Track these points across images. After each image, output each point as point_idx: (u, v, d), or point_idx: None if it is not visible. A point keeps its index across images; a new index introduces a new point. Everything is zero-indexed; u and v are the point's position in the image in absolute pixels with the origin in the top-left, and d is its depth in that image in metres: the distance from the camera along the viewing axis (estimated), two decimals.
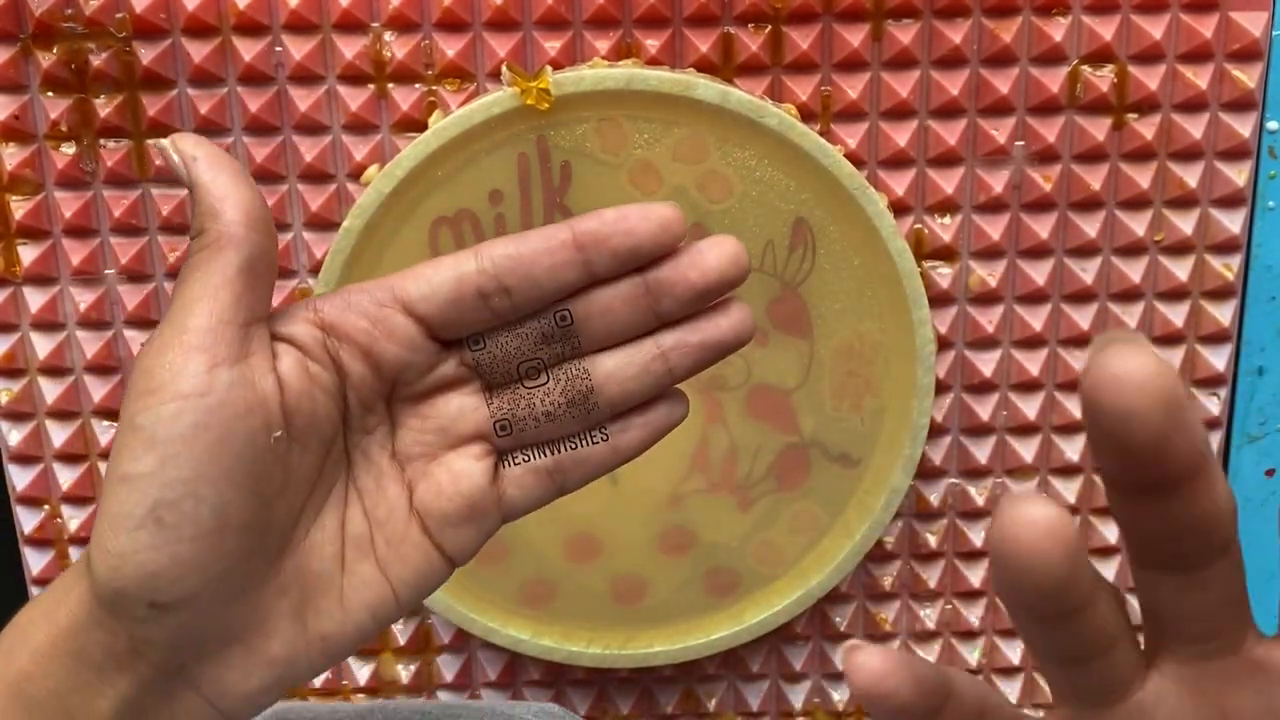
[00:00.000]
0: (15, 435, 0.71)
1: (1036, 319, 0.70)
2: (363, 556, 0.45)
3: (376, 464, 0.45)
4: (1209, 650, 0.33)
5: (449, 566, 0.46)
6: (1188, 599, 0.32)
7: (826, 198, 0.64)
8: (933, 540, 0.74)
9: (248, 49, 0.65)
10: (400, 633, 0.75)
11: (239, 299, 0.41)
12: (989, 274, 0.69)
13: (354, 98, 0.66)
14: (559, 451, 0.46)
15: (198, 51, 0.65)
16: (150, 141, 0.43)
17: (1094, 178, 0.67)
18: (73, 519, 0.72)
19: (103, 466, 0.71)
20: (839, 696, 0.76)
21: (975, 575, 0.74)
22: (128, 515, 0.39)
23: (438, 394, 0.45)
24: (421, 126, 0.66)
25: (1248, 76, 0.65)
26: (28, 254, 0.68)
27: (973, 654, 0.76)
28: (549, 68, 0.62)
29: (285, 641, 0.44)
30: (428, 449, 0.46)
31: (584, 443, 0.46)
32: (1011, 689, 0.76)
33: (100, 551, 0.40)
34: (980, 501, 0.73)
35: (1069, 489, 0.72)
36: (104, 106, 0.66)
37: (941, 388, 0.71)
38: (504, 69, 0.61)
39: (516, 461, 0.46)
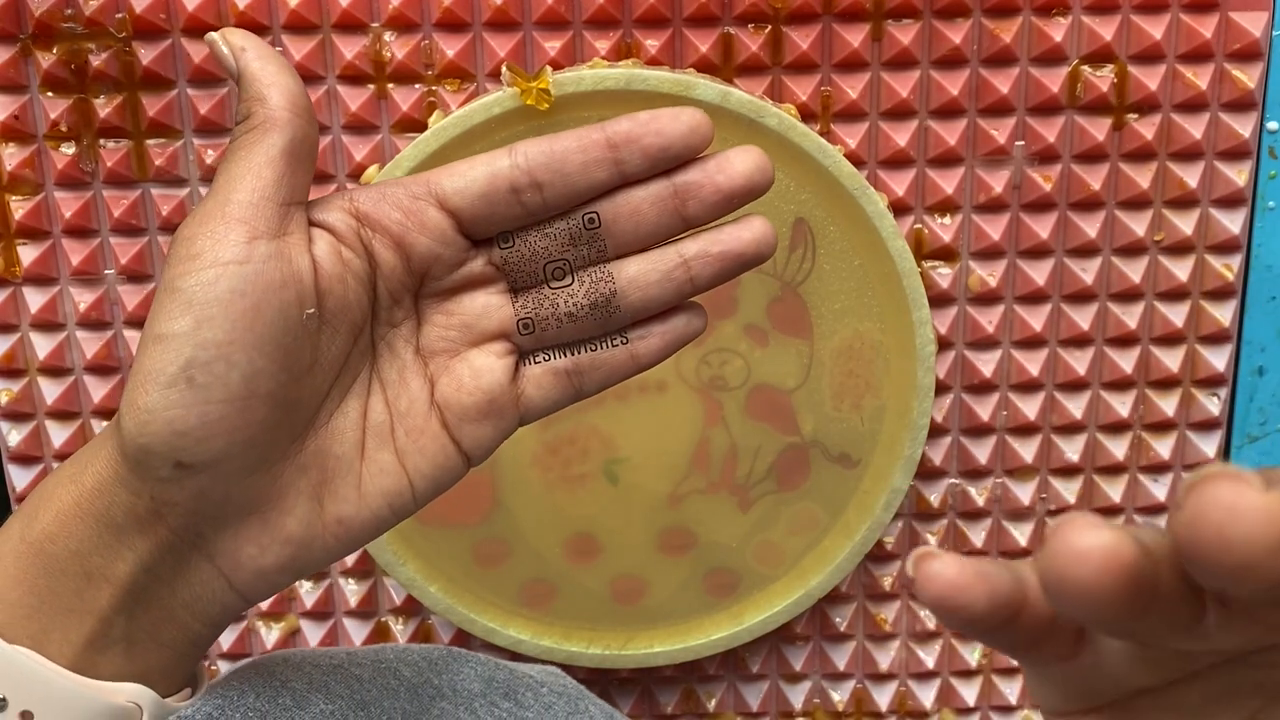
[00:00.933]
0: (15, 435, 0.71)
1: (1036, 319, 0.70)
2: (382, 445, 0.46)
3: (401, 357, 0.47)
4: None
5: (465, 463, 0.47)
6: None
7: (826, 198, 0.64)
8: (933, 540, 0.74)
9: None
10: (400, 633, 0.75)
11: (280, 179, 0.43)
12: (989, 274, 0.69)
13: (354, 98, 0.66)
14: (579, 353, 0.47)
15: (198, 52, 0.65)
16: (206, 36, 0.45)
17: (1094, 178, 0.67)
18: None
19: None
20: (839, 696, 0.76)
21: None
22: (160, 372, 0.41)
23: (464, 291, 0.47)
24: (421, 126, 0.66)
25: (1248, 76, 0.66)
26: (27, 254, 0.68)
27: (973, 654, 0.76)
28: (549, 68, 0.62)
29: (301, 520, 0.45)
30: (451, 345, 0.47)
31: (604, 346, 0.47)
32: (1011, 689, 0.76)
33: (130, 407, 0.41)
34: (980, 502, 0.73)
35: (1069, 489, 0.73)
36: (104, 107, 0.66)
37: (941, 388, 0.71)
38: (504, 69, 0.61)
39: (536, 361, 0.47)
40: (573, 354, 0.47)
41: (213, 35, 0.45)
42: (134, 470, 0.42)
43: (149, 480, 0.42)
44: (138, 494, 0.42)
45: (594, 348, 0.47)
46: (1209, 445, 0.72)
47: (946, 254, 0.69)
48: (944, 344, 0.70)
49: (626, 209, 0.45)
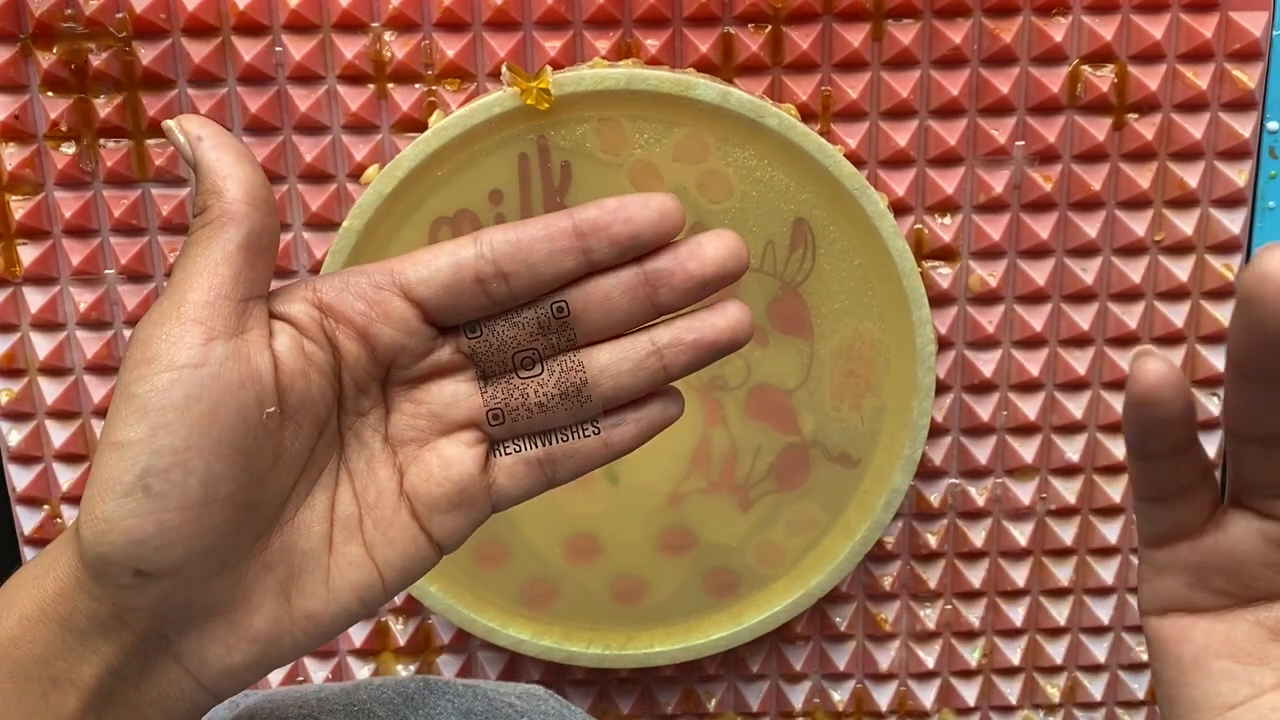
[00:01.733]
0: (15, 435, 0.71)
1: (1036, 319, 0.70)
2: (350, 538, 0.45)
3: (369, 446, 0.46)
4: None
5: (437, 553, 0.46)
6: (1271, 465, 0.38)
7: (826, 198, 0.64)
8: (933, 540, 0.74)
9: (248, 49, 0.65)
10: (400, 633, 0.75)
11: (238, 275, 0.42)
12: (989, 274, 0.69)
13: (354, 98, 0.66)
14: (551, 443, 0.46)
15: (198, 52, 0.65)
16: (162, 123, 0.43)
17: (1094, 178, 0.67)
18: (73, 519, 0.72)
19: None
20: (839, 696, 0.76)
21: (975, 575, 0.74)
22: (116, 481, 0.40)
23: (432, 380, 0.46)
24: (421, 126, 0.66)
25: (1248, 76, 0.65)
26: (28, 254, 0.68)
27: (973, 654, 0.76)
28: (549, 68, 0.62)
29: (269, 618, 0.44)
30: (420, 434, 0.46)
31: (576, 435, 0.46)
32: (1011, 689, 0.76)
33: (88, 517, 0.40)
34: (980, 502, 0.73)
35: (1069, 489, 0.72)
36: (104, 106, 0.66)
37: (941, 388, 0.71)
38: (504, 69, 0.61)
39: (508, 451, 0.46)
40: (544, 444, 0.46)
41: (169, 123, 0.43)
42: (94, 578, 0.41)
43: (109, 587, 0.41)
44: (99, 600, 0.41)
45: (566, 437, 0.46)
46: (1209, 445, 0.72)
47: (946, 254, 0.69)
48: (944, 344, 0.70)
49: (596, 297, 0.44)
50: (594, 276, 0.44)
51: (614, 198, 0.44)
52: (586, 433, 0.46)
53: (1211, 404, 0.71)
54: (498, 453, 0.47)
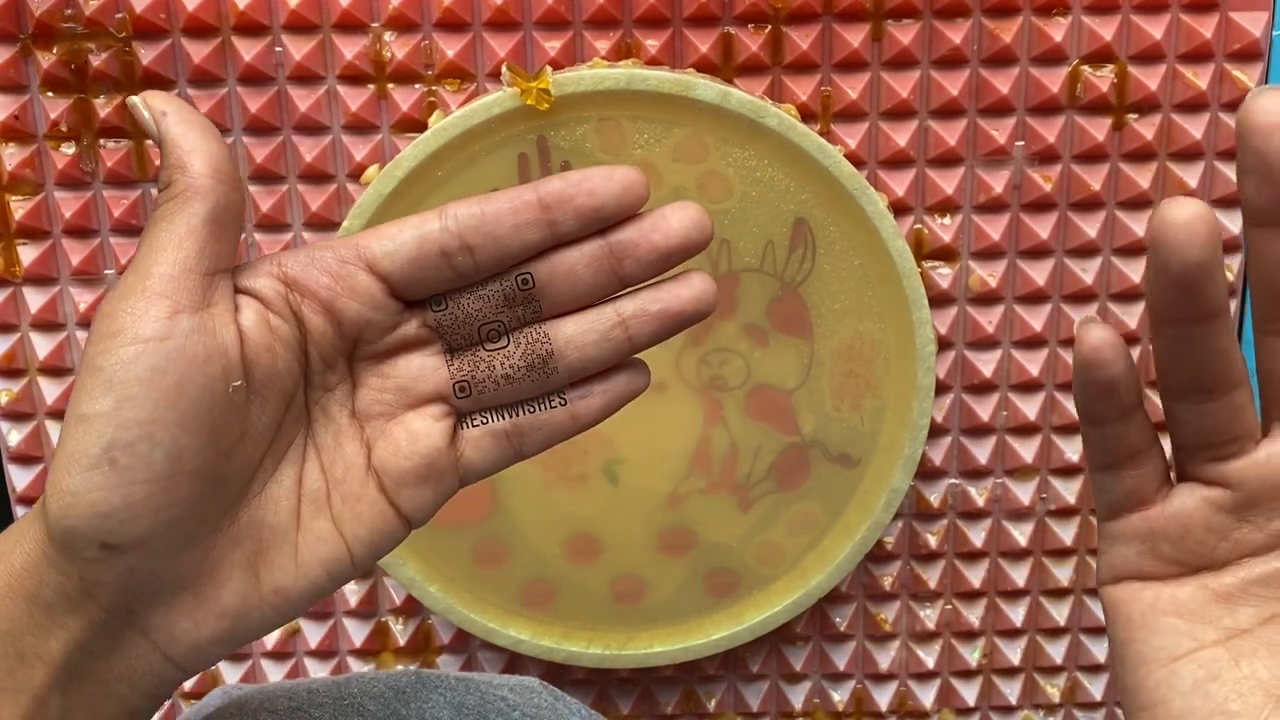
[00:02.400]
0: (15, 435, 0.71)
1: (1036, 319, 0.70)
2: (318, 512, 0.45)
3: (336, 421, 0.46)
4: (1222, 459, 0.42)
5: (405, 527, 0.47)
6: (1201, 422, 0.41)
7: (826, 198, 0.64)
8: (933, 540, 0.74)
9: (248, 49, 0.65)
10: (400, 633, 0.75)
11: (203, 249, 0.42)
12: (989, 274, 0.69)
13: (354, 98, 0.66)
14: (518, 415, 0.47)
15: (198, 52, 0.65)
16: (127, 99, 0.44)
17: (1094, 178, 0.67)
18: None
19: None
20: (839, 696, 0.76)
21: (975, 575, 0.74)
22: (82, 454, 0.40)
23: (399, 354, 0.46)
24: (421, 126, 0.66)
25: (1248, 76, 0.66)
26: (28, 254, 0.68)
27: (973, 654, 0.76)
28: (549, 68, 0.62)
29: (237, 592, 0.44)
30: (387, 408, 0.46)
31: (542, 407, 0.47)
32: (1012, 689, 0.76)
33: (54, 490, 0.40)
34: (980, 502, 0.73)
35: (1069, 489, 0.72)
36: (104, 107, 0.66)
37: (941, 388, 0.71)
38: (504, 69, 0.61)
39: (475, 424, 0.47)
40: (512, 416, 0.47)
41: (133, 99, 0.43)
42: (60, 551, 0.41)
43: (76, 561, 0.41)
44: (66, 574, 0.41)
45: (533, 409, 0.47)
46: None
47: (946, 254, 0.69)
48: (944, 344, 0.70)
49: (562, 269, 0.45)
50: (559, 249, 0.45)
51: (577, 170, 0.44)
52: (553, 404, 0.47)
53: None
54: (465, 425, 0.47)
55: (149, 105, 0.43)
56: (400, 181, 0.62)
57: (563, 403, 0.47)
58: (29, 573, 0.41)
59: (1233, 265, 0.69)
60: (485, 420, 0.47)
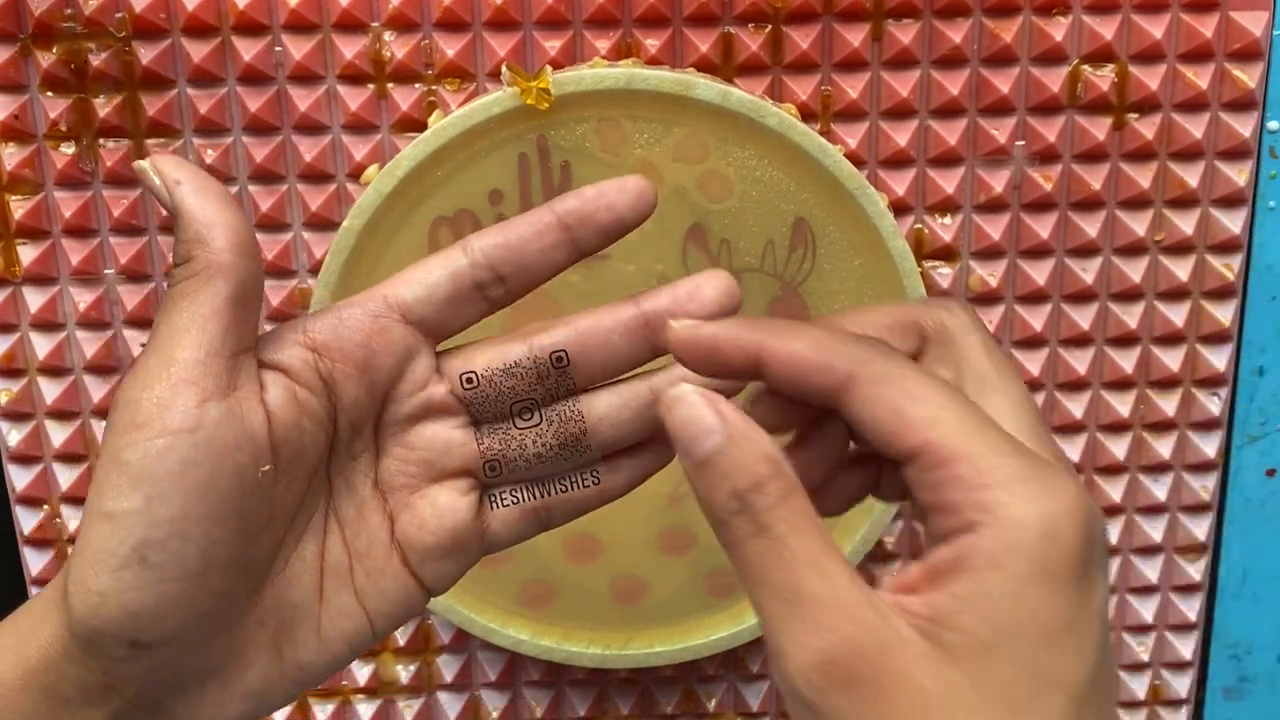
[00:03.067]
0: (15, 435, 0.71)
1: (1036, 319, 0.70)
2: (341, 586, 0.44)
3: (359, 493, 0.45)
4: None
5: (426, 596, 0.46)
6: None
7: (827, 198, 0.64)
8: None
9: (247, 49, 0.65)
10: (400, 633, 0.75)
11: (228, 330, 0.40)
12: (989, 274, 0.69)
13: (354, 98, 0.66)
14: (549, 494, 0.46)
15: (197, 51, 0.65)
16: (135, 164, 0.41)
17: (1094, 178, 0.67)
18: (72, 519, 0.72)
19: None
20: None
21: None
22: (111, 554, 0.38)
23: (425, 419, 0.45)
24: (421, 126, 0.66)
25: (1248, 76, 0.65)
26: (27, 254, 0.68)
27: None
28: (549, 67, 0.62)
29: (261, 672, 0.43)
30: (411, 480, 0.45)
31: (574, 486, 0.46)
32: None
33: (80, 589, 0.39)
34: None
35: None
36: (104, 106, 0.66)
37: None
38: (504, 69, 0.61)
39: (504, 502, 0.46)
40: (543, 494, 0.46)
41: (142, 164, 0.41)
42: (84, 649, 0.39)
43: (102, 659, 0.40)
44: (89, 669, 0.40)
45: (564, 487, 0.46)
46: (1209, 445, 0.72)
47: (946, 254, 0.69)
48: None
49: (595, 341, 0.44)
50: (591, 317, 0.44)
51: (589, 186, 0.43)
52: (585, 483, 0.46)
53: (1212, 403, 0.71)
54: (493, 502, 0.46)
55: (161, 172, 0.41)
56: (400, 181, 0.62)
57: (595, 480, 0.46)
58: (47, 668, 0.40)
59: (1233, 264, 0.69)
60: (516, 499, 0.46)
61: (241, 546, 0.41)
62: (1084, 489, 0.36)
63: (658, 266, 0.65)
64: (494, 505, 0.46)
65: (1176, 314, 0.69)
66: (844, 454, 0.43)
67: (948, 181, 0.68)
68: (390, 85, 0.66)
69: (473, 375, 0.44)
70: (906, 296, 0.65)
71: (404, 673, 0.75)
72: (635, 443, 0.45)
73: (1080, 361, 0.70)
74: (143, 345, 0.42)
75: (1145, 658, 0.76)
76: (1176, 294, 0.69)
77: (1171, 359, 0.70)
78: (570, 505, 0.46)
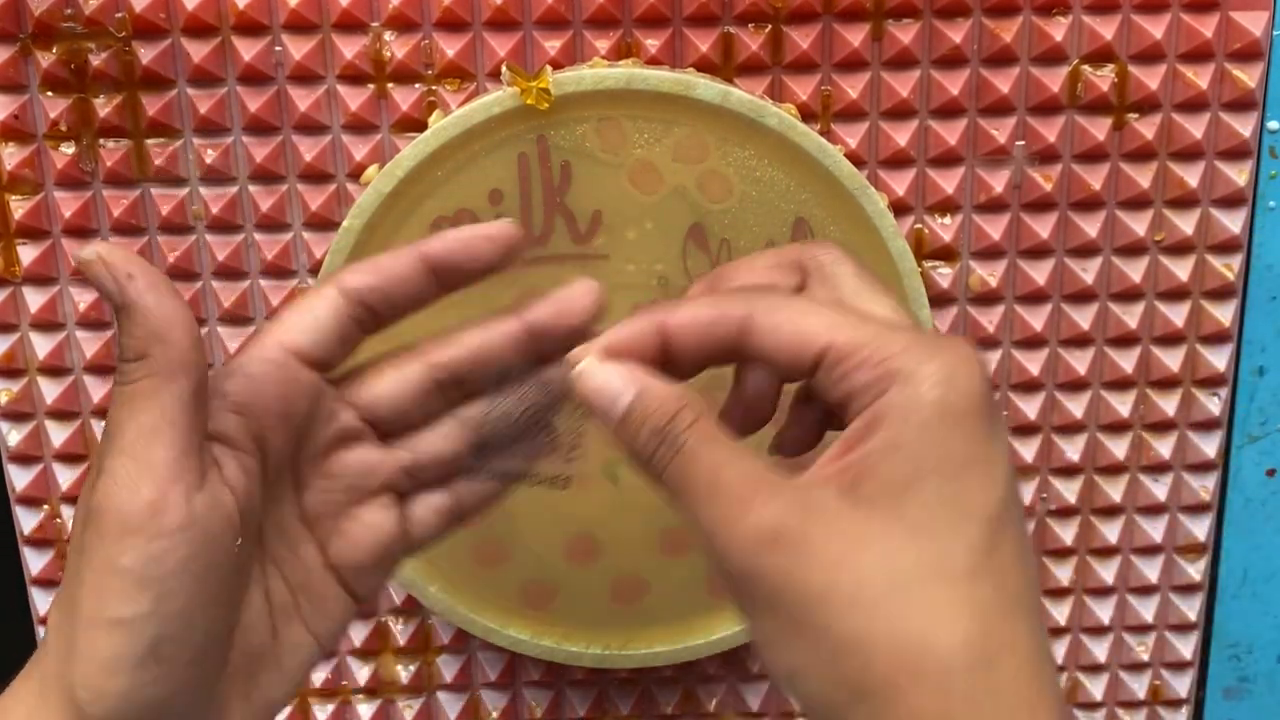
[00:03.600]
0: (15, 435, 0.71)
1: (1036, 319, 0.70)
2: (289, 620, 0.46)
3: (288, 530, 0.46)
4: None
5: (360, 605, 0.48)
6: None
7: (827, 198, 0.64)
8: None
9: (247, 49, 0.65)
10: (400, 633, 0.75)
11: (193, 424, 0.40)
12: (989, 274, 0.69)
13: (354, 97, 0.66)
14: (460, 495, 0.49)
15: (197, 51, 0.65)
16: (74, 257, 0.40)
17: (1094, 178, 0.67)
18: (72, 519, 0.72)
19: None
20: None
21: None
22: (125, 658, 0.39)
23: (341, 448, 0.46)
24: (421, 126, 0.66)
25: (1248, 76, 0.65)
26: (27, 254, 0.68)
27: None
28: (549, 67, 0.62)
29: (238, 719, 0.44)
30: (338, 506, 0.47)
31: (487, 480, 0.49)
32: None
33: (95, 695, 0.39)
34: None
35: (1069, 489, 0.72)
36: (104, 106, 0.66)
37: None
38: (504, 69, 0.61)
39: (423, 509, 0.49)
40: (454, 498, 0.49)
41: (87, 253, 0.40)
42: None
43: None
44: None
45: (474, 487, 0.49)
46: (1209, 445, 0.72)
47: (946, 254, 0.69)
48: None
49: (487, 356, 0.48)
50: (480, 334, 0.48)
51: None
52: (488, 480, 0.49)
53: (1212, 404, 0.71)
54: (409, 506, 0.48)
55: (110, 265, 0.40)
56: (400, 181, 0.63)
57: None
58: None
59: (1233, 264, 0.69)
60: (434, 505, 0.49)
61: (228, 616, 0.43)
62: (973, 346, 0.40)
63: (658, 266, 0.65)
64: (410, 507, 0.48)
65: (1176, 314, 0.69)
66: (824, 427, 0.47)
67: (948, 181, 0.68)
68: (390, 85, 0.66)
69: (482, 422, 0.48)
70: (907, 297, 0.65)
71: (404, 673, 0.75)
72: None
73: (1080, 361, 0.70)
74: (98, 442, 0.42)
75: (1145, 658, 0.76)
76: (1176, 294, 0.69)
77: (1171, 359, 0.70)
78: (477, 498, 0.49)
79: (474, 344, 0.47)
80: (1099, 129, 0.67)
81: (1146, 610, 0.75)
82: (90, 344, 0.69)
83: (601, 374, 0.42)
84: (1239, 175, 0.67)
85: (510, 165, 0.63)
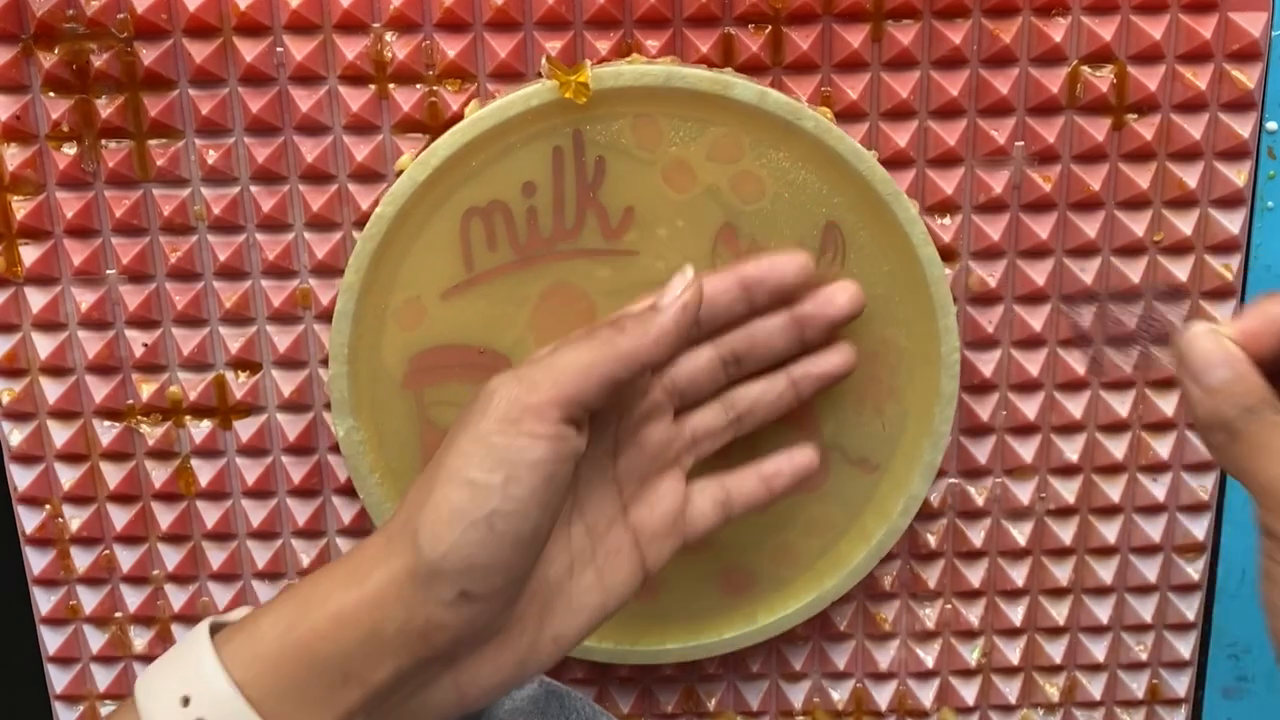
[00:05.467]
0: (16, 435, 0.71)
1: (1036, 319, 0.70)
2: (585, 565, 0.54)
3: (597, 488, 0.55)
4: None
5: (644, 577, 0.56)
6: None
7: (859, 202, 0.64)
8: (932, 540, 0.74)
9: (249, 49, 0.65)
10: None
11: (610, 380, 0.51)
12: (989, 274, 0.69)
13: (355, 98, 0.66)
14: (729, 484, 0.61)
15: (199, 52, 0.65)
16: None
17: (1094, 178, 0.68)
18: (74, 519, 0.72)
19: (104, 466, 0.71)
20: (839, 696, 0.77)
21: (975, 575, 0.74)
22: (465, 514, 0.47)
23: (650, 420, 0.57)
24: (422, 126, 0.66)
25: (1247, 77, 0.66)
26: (29, 254, 0.68)
27: (972, 654, 0.76)
28: (588, 61, 0.62)
29: (529, 641, 0.51)
30: (641, 473, 0.56)
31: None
32: (1011, 688, 0.76)
33: (432, 538, 0.47)
34: (980, 501, 0.73)
35: (1069, 489, 0.73)
36: (105, 107, 0.66)
37: None
38: (543, 61, 0.62)
39: (698, 492, 0.59)
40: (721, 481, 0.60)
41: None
42: (419, 591, 0.47)
43: (430, 603, 0.47)
44: (414, 613, 0.47)
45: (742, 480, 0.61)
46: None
47: (946, 254, 0.69)
48: None
49: (761, 336, 0.61)
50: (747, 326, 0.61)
51: (765, 259, 0.60)
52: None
53: None
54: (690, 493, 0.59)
55: None
56: (434, 170, 0.63)
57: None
58: (378, 604, 0.48)
59: (1231, 265, 0.69)
60: (706, 485, 0.60)
61: (547, 530, 0.50)
62: None
63: (686, 265, 0.65)
64: (693, 498, 0.58)
65: (1176, 314, 0.69)
66: None
67: (947, 182, 0.68)
68: (391, 86, 0.66)
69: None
70: (934, 304, 0.65)
71: None
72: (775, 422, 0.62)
73: (1080, 362, 0.70)
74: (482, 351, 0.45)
75: (1144, 657, 0.76)
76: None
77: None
78: (745, 498, 0.60)
79: (750, 329, 0.59)
80: (1098, 130, 0.67)
81: (1145, 610, 0.75)
82: (92, 344, 0.69)
83: (1211, 341, 0.48)
84: (1238, 176, 0.67)
85: (545, 158, 0.63)
